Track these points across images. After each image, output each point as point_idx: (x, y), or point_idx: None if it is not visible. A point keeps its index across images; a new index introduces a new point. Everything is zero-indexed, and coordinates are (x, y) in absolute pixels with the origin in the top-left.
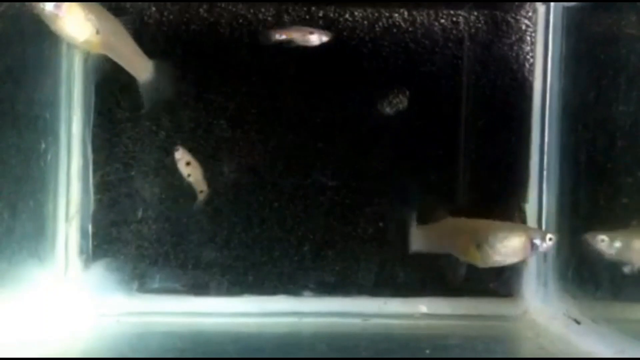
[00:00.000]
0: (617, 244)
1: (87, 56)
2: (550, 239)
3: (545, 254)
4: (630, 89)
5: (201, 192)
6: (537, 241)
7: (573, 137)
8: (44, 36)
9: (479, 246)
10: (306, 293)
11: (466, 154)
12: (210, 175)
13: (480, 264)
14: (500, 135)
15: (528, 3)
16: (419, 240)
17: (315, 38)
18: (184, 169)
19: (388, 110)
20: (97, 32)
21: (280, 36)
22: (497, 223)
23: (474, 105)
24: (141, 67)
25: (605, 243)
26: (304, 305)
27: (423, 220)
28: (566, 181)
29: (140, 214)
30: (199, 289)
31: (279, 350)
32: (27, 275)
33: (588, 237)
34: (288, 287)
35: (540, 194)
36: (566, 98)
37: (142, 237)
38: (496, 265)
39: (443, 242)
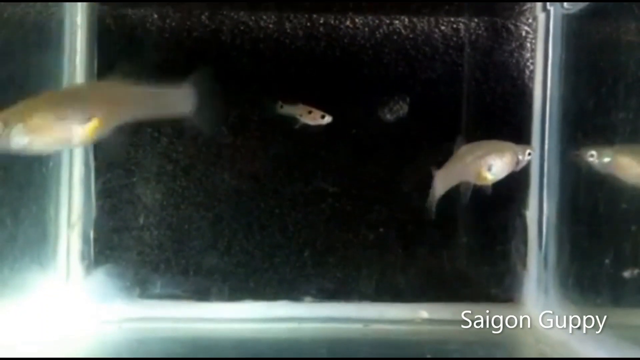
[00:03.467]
0: (605, 159)
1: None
2: (529, 154)
3: (545, 259)
4: (630, 96)
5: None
6: (520, 156)
7: (573, 143)
8: (47, 44)
9: (489, 168)
10: (307, 299)
11: None
12: (211, 182)
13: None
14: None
15: (528, 10)
16: (441, 182)
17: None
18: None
19: (388, 116)
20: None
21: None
22: (493, 144)
23: (474, 112)
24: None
25: (594, 158)
26: (305, 310)
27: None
28: (566, 188)
29: (141, 220)
30: (200, 295)
31: (280, 355)
32: (29, 282)
33: (580, 152)
34: (289, 293)
35: (540, 201)
36: (566, 105)
37: (144, 243)
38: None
39: (460, 172)
